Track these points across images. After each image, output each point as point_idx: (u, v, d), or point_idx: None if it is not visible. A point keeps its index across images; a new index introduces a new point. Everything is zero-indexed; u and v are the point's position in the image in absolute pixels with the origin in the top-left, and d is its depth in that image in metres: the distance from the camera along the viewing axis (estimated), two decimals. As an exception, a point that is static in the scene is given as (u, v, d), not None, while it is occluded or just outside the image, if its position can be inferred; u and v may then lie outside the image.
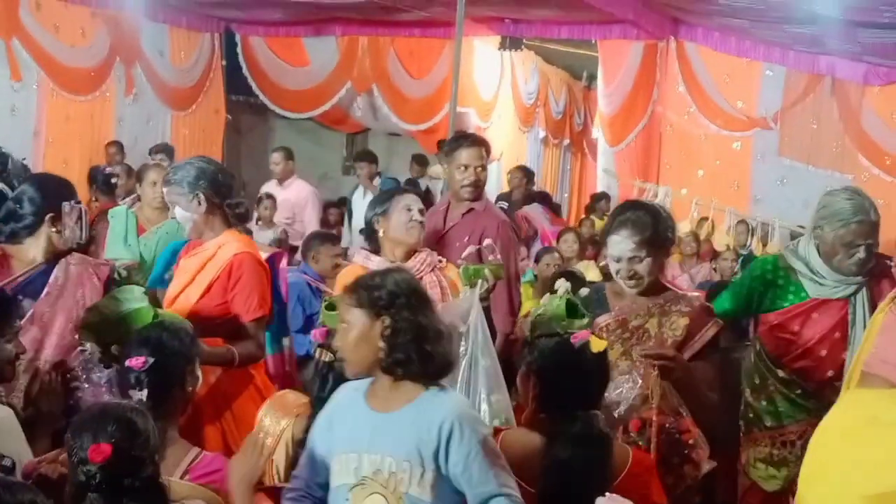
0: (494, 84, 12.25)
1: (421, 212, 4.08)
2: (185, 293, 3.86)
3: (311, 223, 8.88)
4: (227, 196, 3.97)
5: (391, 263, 3.87)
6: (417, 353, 2.52)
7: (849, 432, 2.96)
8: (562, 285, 3.35)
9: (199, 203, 3.85)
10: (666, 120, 10.77)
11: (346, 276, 3.99)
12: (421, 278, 3.83)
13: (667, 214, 3.68)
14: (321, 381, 2.94)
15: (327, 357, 2.94)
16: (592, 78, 12.57)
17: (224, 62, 12.10)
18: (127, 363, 2.89)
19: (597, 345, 2.89)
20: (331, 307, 3.02)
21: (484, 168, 4.87)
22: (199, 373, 3.02)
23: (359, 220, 8.95)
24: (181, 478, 2.70)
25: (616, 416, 3.26)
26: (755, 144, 10.38)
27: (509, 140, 12.93)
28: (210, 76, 11.90)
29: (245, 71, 11.99)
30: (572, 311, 3.04)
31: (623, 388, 3.28)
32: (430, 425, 2.49)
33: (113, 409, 2.43)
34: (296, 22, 11.64)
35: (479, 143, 4.95)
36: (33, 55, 9.21)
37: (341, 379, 2.85)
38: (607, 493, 2.40)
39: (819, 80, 10.03)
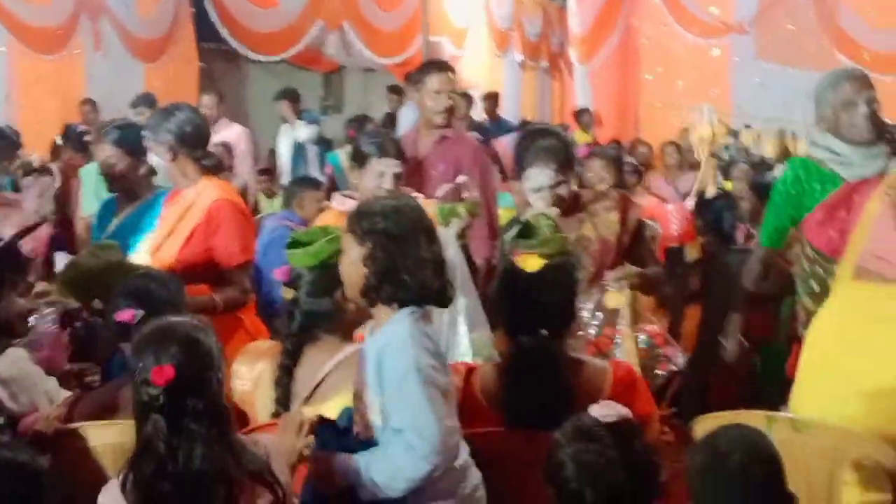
0: (467, 10, 12.12)
1: (396, 176, 3.97)
2: (167, 242, 3.84)
3: (244, 167, 8.54)
4: (197, 145, 3.94)
5: None
6: (389, 280, 2.49)
7: (845, 329, 2.98)
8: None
9: (167, 150, 3.84)
10: (642, 33, 10.67)
11: (322, 220, 3.99)
12: None
13: (568, 141, 3.93)
14: (288, 319, 2.95)
15: (290, 295, 2.94)
16: (566, -3, 12.43)
17: (193, 9, 11.93)
18: (116, 317, 2.88)
19: (528, 263, 2.85)
20: (293, 245, 3.01)
21: (455, 93, 4.83)
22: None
23: (285, 160, 8.86)
24: None
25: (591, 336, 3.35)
26: (732, 50, 10.33)
27: (486, 66, 12.81)
28: (179, 25, 11.71)
29: (214, 17, 11.83)
30: (527, 232, 3.02)
31: (586, 310, 3.33)
32: (377, 351, 2.49)
33: (176, 326, 2.37)
34: (262, -38, 11.45)
35: (446, 68, 4.89)
36: (-1, 18, 9.08)
37: (308, 314, 2.90)
38: (601, 401, 2.40)
39: (793, -21, 9.96)
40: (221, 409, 2.34)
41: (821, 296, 3.87)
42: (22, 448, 2.29)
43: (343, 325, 2.96)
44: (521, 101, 13.76)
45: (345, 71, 14.07)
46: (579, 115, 10.79)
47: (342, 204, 4.01)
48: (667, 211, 6.03)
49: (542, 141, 3.73)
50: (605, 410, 2.27)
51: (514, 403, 2.78)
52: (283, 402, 2.86)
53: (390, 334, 2.48)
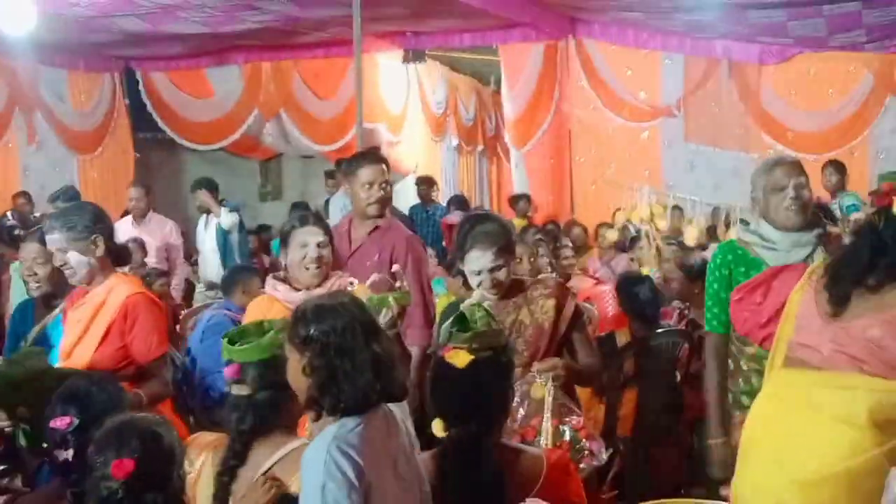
0: (402, 97, 12.28)
1: (320, 245, 3.88)
2: (80, 345, 3.77)
3: (178, 259, 8.51)
4: (114, 236, 3.93)
5: (294, 292, 3.82)
6: (328, 391, 2.47)
7: (776, 417, 3.02)
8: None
9: (97, 246, 3.79)
10: (573, 117, 10.91)
11: (254, 307, 3.97)
12: None
13: (510, 227, 3.99)
14: (241, 415, 2.85)
15: (245, 391, 2.86)
16: (500, 82, 12.68)
17: (127, 101, 11.97)
18: (51, 424, 2.80)
19: (459, 359, 2.84)
20: (231, 341, 2.93)
21: (388, 183, 4.82)
22: None
23: (209, 248, 8.80)
24: None
25: (516, 426, 3.37)
26: (662, 133, 10.58)
27: (423, 151, 12.97)
28: (114, 116, 11.77)
29: (150, 108, 11.88)
30: (461, 323, 3.03)
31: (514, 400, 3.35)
32: (302, 462, 2.46)
33: (136, 421, 2.36)
34: (196, 54, 11.56)
35: (379, 159, 4.91)
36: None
37: (261, 409, 2.84)
38: (528, 499, 2.41)
39: (717, 64, 10.27)
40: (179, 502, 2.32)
41: (736, 374, 3.96)
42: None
43: (292, 416, 2.92)
44: (458, 184, 13.94)
45: (283, 158, 14.15)
46: (514, 201, 10.94)
47: (273, 289, 3.95)
48: (602, 292, 6.10)
49: (482, 226, 3.79)
50: None
51: (449, 492, 2.76)
52: (223, 498, 2.78)
53: (313, 450, 2.43)
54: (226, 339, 2.95)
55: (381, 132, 11.74)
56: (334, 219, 7.96)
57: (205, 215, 9.03)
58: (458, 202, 10.32)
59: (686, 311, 5.93)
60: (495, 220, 3.97)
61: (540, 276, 4.06)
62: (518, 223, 9.84)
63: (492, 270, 3.70)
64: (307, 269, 3.86)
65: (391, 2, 8.90)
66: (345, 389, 2.45)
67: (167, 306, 5.95)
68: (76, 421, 2.76)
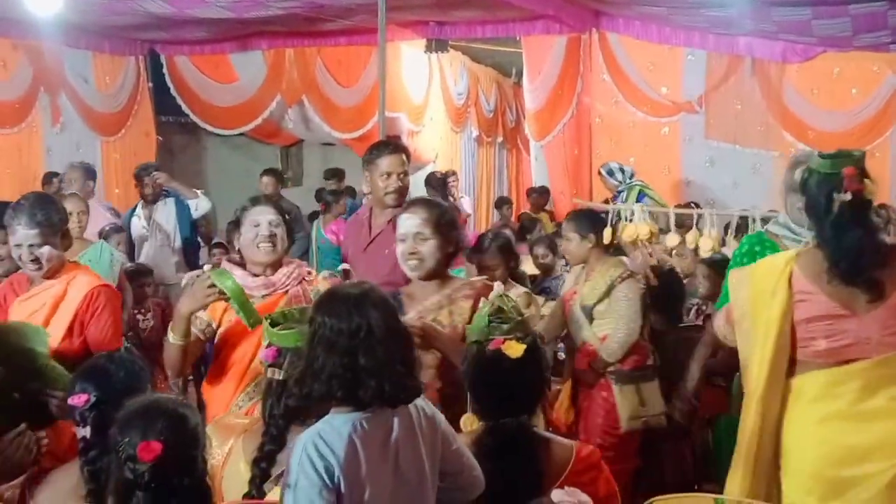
0: (424, 87, 12.30)
1: (272, 223, 3.85)
2: None
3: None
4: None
5: (251, 277, 3.81)
6: (299, 381, 2.52)
7: (843, 415, 3.05)
8: (496, 289, 3.43)
9: (66, 238, 3.84)
10: (594, 111, 10.90)
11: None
12: (286, 292, 3.79)
13: (454, 213, 3.95)
14: (275, 400, 2.88)
15: (280, 375, 2.87)
16: (521, 74, 12.69)
17: (151, 84, 12.02)
18: (69, 401, 2.81)
19: (512, 350, 2.87)
20: (273, 324, 2.98)
21: (406, 174, 4.86)
22: None
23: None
24: None
25: None
26: (682, 128, 10.55)
27: (443, 142, 12.98)
28: (137, 99, 11.81)
29: (173, 91, 11.93)
30: (496, 317, 3.05)
31: None
32: None
33: (162, 403, 2.33)
34: (221, 39, 11.58)
35: (399, 149, 4.96)
36: (-45, 93, 9.13)
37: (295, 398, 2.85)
38: (565, 487, 2.43)
39: (740, 61, 10.23)
40: (205, 489, 2.32)
41: None
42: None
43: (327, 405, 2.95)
44: (477, 175, 13.97)
45: (304, 144, 14.18)
46: (529, 193, 10.96)
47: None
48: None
49: (423, 198, 3.97)
50: (565, 497, 2.31)
51: (490, 485, 2.75)
52: (259, 483, 2.82)
53: (296, 446, 2.45)
54: (268, 321, 3.00)
55: (403, 121, 11.76)
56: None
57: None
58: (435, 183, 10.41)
59: (704, 308, 5.93)
60: (439, 201, 4.03)
61: (472, 279, 4.00)
62: (544, 218, 9.90)
63: (415, 236, 3.67)
64: (259, 247, 3.83)
65: (415, -10, 8.94)
66: (314, 383, 2.46)
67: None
68: (94, 398, 2.76)
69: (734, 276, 3.32)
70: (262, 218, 3.84)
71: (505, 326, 3.01)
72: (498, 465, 2.76)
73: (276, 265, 3.88)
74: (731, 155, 10.28)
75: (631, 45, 10.59)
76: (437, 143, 12.72)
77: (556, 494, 2.32)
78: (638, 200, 7.93)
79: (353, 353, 2.43)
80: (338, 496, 2.38)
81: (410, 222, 3.70)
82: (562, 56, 10.84)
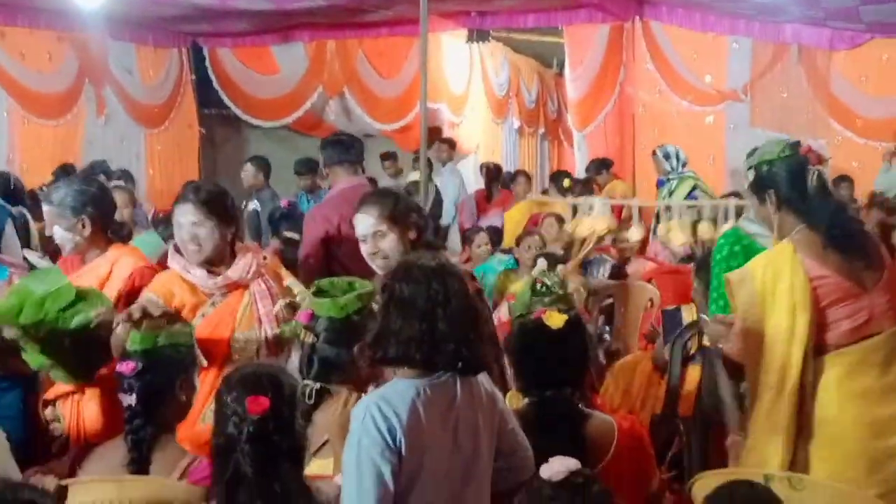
0: (465, 78, 12.29)
1: (193, 224, 3.55)
2: None
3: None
4: (112, 214, 3.99)
5: (209, 276, 3.59)
6: (375, 341, 2.55)
7: (856, 396, 3.04)
8: (539, 265, 3.42)
9: (84, 226, 3.80)
10: (637, 100, 10.82)
11: (159, 279, 3.70)
12: (247, 286, 3.61)
13: (408, 197, 3.93)
14: (307, 363, 3.01)
15: (310, 339, 3.00)
16: (563, 65, 12.62)
17: (193, 76, 12.12)
18: (117, 368, 2.87)
19: (554, 320, 2.89)
20: (319, 293, 3.06)
21: None
22: (197, 382, 3.01)
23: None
24: (178, 479, 2.69)
25: None
26: (727, 117, 10.44)
27: (484, 133, 12.97)
28: (181, 91, 11.91)
29: (215, 83, 12.01)
30: (539, 290, 3.07)
31: None
32: None
33: (266, 367, 2.50)
34: (262, 31, 11.64)
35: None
36: (1, 83, 9.21)
37: (323, 361, 2.97)
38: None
39: (785, 48, 10.10)
40: (300, 452, 2.42)
41: None
42: (28, 490, 2.26)
43: (355, 378, 2.99)
44: (519, 166, 13.91)
45: (344, 136, 14.20)
46: (552, 178, 10.86)
47: (185, 270, 3.64)
48: (664, 274, 6.06)
49: (374, 194, 3.81)
50: (554, 468, 2.31)
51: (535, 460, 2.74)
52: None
53: (359, 405, 2.49)
54: (315, 287, 3.10)
55: (443, 112, 11.76)
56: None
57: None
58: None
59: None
60: (391, 191, 3.96)
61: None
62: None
63: (374, 235, 3.58)
64: (187, 249, 3.60)
65: (457, -19, 8.91)
66: (390, 346, 2.48)
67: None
68: (140, 366, 2.80)
69: (732, 278, 3.26)
70: (184, 219, 3.60)
71: (547, 300, 3.02)
72: (542, 439, 2.75)
73: (224, 260, 3.65)
74: (777, 143, 10.14)
75: (674, 33, 10.49)
76: (478, 134, 12.71)
77: (543, 470, 2.32)
78: (689, 196, 7.76)
79: (431, 318, 2.46)
80: (399, 459, 2.40)
81: (366, 222, 3.61)
82: (604, 45, 10.78)
